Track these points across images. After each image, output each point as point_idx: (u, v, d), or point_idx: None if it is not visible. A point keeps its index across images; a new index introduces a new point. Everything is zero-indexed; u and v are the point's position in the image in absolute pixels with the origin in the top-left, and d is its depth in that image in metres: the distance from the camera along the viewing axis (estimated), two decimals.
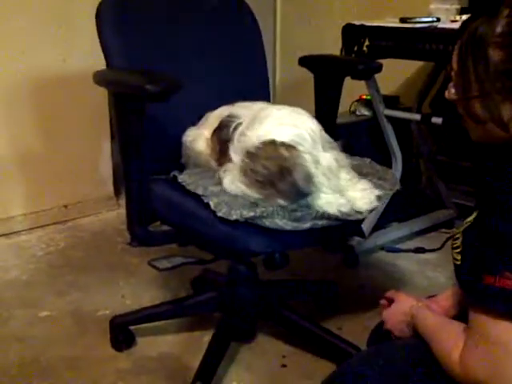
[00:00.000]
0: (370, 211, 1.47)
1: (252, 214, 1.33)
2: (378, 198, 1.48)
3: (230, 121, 1.51)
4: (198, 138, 1.60)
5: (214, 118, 1.58)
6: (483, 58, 0.95)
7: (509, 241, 0.90)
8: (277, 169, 1.34)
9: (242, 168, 1.39)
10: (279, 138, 1.37)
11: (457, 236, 1.06)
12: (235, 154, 1.43)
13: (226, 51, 1.83)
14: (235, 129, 1.48)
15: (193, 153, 1.62)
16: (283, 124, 1.41)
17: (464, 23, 1.01)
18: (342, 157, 1.50)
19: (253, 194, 1.38)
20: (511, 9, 0.94)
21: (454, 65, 1.02)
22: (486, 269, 0.92)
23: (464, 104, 1.01)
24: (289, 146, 1.36)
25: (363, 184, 1.49)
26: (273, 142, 1.37)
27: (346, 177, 1.47)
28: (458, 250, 1.04)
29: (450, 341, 0.98)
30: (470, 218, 1.04)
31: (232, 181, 1.41)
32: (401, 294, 1.24)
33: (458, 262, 1.04)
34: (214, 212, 1.36)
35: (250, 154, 1.38)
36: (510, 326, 0.89)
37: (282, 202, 1.36)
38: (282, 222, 1.35)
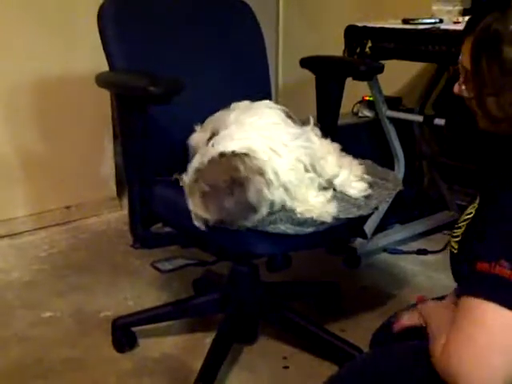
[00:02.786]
0: (366, 197, 1.47)
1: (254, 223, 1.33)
2: (370, 185, 1.50)
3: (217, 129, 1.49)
4: (200, 141, 1.60)
5: (213, 121, 1.58)
6: (498, 56, 0.95)
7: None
8: (224, 184, 1.29)
9: (189, 186, 1.35)
10: (229, 150, 1.33)
11: (459, 225, 1.06)
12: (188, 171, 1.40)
13: (228, 53, 1.83)
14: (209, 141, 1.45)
15: None
16: (234, 139, 1.37)
17: (473, 20, 1.01)
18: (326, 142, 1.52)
19: (201, 213, 1.31)
20: None
21: (466, 62, 1.01)
22: (482, 256, 0.91)
23: (478, 102, 1.01)
24: (241, 159, 1.31)
25: (355, 170, 1.51)
26: (222, 155, 1.33)
27: (333, 165, 1.48)
28: (457, 239, 1.04)
29: (440, 329, 0.97)
30: (471, 209, 1.04)
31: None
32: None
33: (455, 251, 1.04)
34: None
35: (197, 171, 1.35)
36: (497, 310, 0.87)
37: (228, 219, 1.31)
38: (284, 227, 1.35)
